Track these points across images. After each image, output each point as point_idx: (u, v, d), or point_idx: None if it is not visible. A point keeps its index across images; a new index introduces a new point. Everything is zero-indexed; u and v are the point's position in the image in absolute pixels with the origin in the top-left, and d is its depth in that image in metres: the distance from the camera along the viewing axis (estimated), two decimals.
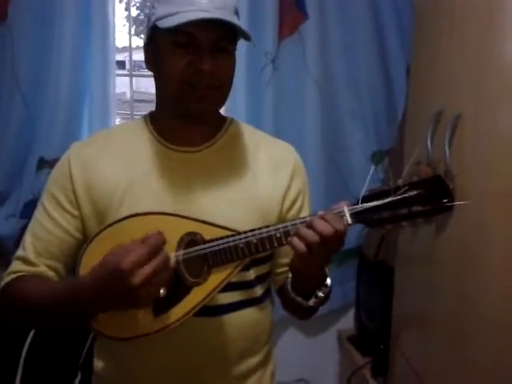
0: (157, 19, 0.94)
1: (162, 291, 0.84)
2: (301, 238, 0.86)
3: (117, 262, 0.81)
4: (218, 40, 0.94)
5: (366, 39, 1.88)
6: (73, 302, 0.88)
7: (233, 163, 1.05)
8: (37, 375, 1.70)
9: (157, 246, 0.82)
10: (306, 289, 0.97)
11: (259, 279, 1.07)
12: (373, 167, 1.02)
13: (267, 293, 1.11)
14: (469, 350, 1.23)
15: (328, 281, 0.97)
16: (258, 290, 1.07)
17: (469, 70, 1.24)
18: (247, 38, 0.95)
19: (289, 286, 0.97)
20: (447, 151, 1.23)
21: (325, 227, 0.84)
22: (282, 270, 1.10)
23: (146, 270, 0.80)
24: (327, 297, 0.98)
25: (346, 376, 1.98)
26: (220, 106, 1.04)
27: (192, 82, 0.94)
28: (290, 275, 0.97)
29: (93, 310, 0.89)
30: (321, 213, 0.87)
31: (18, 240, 1.79)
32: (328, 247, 0.86)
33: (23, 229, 1.76)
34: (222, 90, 0.99)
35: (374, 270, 1.94)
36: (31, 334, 1.68)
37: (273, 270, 1.12)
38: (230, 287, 0.96)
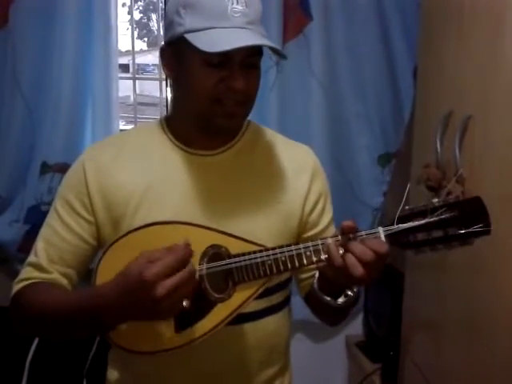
0: (186, 31, 0.90)
1: (185, 303, 0.81)
2: (346, 263, 0.81)
3: (140, 271, 0.78)
4: (249, 56, 0.92)
5: (372, 41, 1.86)
6: (91, 312, 0.84)
7: (252, 167, 1.03)
8: (42, 382, 1.69)
9: (184, 258, 0.80)
10: (334, 287, 0.92)
11: (280, 286, 1.05)
12: (408, 185, 0.97)
13: (287, 300, 1.09)
14: (481, 356, 1.20)
15: None
16: (278, 297, 1.05)
17: (478, 71, 1.21)
18: (282, 56, 0.93)
19: (315, 286, 0.92)
20: (457, 154, 1.21)
21: (367, 253, 0.80)
22: (308, 275, 1.07)
23: (171, 281, 0.78)
24: (357, 296, 0.93)
25: (354, 383, 1.95)
26: (246, 119, 1.03)
27: (221, 98, 0.92)
28: (316, 274, 0.93)
29: (112, 322, 0.86)
30: (357, 234, 0.83)
31: (20, 245, 1.79)
32: (372, 270, 0.81)
33: (26, 234, 1.78)
34: (250, 104, 0.97)
35: (382, 274, 1.91)
36: (36, 340, 1.67)
37: (298, 276, 1.09)
38: None
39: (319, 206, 1.06)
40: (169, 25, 0.95)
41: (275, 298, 1.04)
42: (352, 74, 1.86)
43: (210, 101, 0.92)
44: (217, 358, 0.99)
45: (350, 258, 0.81)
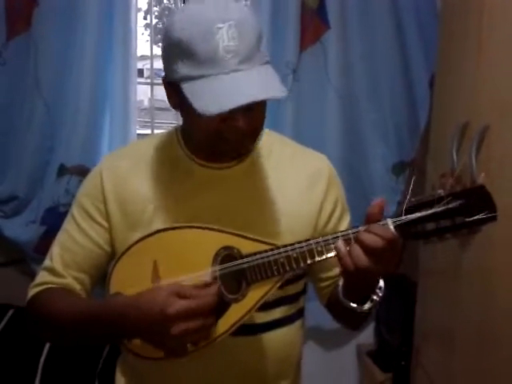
0: (181, 79, 0.85)
1: (189, 347, 0.84)
2: (351, 255, 0.81)
3: (166, 303, 0.80)
4: None
5: (389, 49, 1.85)
6: (107, 326, 0.87)
7: (266, 177, 1.02)
8: (55, 382, 1.70)
9: (210, 306, 0.82)
10: (359, 295, 0.91)
11: (293, 298, 1.05)
12: (414, 177, 0.97)
13: (300, 312, 1.09)
14: (495, 366, 1.19)
15: (381, 283, 0.91)
16: (292, 309, 1.05)
17: (496, 81, 1.21)
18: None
19: (340, 294, 0.91)
20: (474, 164, 1.20)
21: (372, 239, 0.80)
22: (327, 283, 1.07)
23: (186, 326, 0.80)
24: (380, 299, 0.92)
25: None
26: (256, 142, 1.00)
27: (225, 136, 0.90)
28: (340, 283, 0.92)
29: (126, 336, 0.89)
30: (363, 227, 0.83)
31: (37, 246, 1.81)
32: (382, 260, 0.81)
33: (43, 235, 1.80)
34: (257, 134, 0.96)
35: (394, 283, 1.90)
36: None
37: (317, 284, 1.09)
38: (265, 306, 0.93)
39: (336, 214, 1.06)
40: (165, 63, 0.90)
41: (289, 309, 1.04)
42: (368, 82, 1.87)
43: (215, 138, 0.90)
44: (228, 369, 0.99)
45: (355, 249, 0.81)
